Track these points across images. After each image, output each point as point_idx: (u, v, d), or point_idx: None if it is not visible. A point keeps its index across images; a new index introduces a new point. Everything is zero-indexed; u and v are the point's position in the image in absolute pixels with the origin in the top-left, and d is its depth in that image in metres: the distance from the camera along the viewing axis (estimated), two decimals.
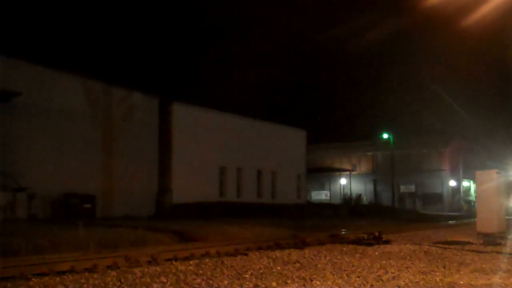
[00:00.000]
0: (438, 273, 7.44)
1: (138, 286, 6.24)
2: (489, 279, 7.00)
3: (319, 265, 8.09)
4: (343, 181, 55.32)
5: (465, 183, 55.62)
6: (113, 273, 6.91)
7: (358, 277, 7.01)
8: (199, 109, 29.31)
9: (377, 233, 12.24)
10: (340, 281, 6.71)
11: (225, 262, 8.14)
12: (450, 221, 20.84)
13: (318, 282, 6.58)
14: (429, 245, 11.41)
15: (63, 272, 6.83)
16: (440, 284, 6.59)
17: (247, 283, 6.48)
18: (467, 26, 16.93)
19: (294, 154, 37.50)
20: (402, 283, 6.61)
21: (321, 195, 56.31)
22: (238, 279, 6.71)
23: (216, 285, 6.33)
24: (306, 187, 41.70)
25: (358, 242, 11.57)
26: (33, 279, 6.32)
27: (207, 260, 8.31)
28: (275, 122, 36.02)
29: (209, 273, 7.13)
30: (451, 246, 11.25)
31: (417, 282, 6.71)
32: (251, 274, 7.12)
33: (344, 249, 10.47)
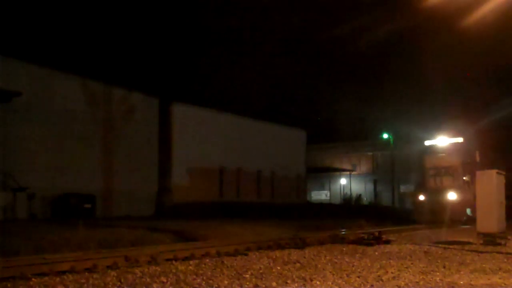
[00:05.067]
0: (438, 273, 7.44)
1: (138, 286, 6.24)
2: (489, 279, 7.00)
3: (319, 265, 8.08)
4: (343, 181, 55.30)
5: None
6: (113, 273, 6.91)
7: (358, 277, 7.01)
8: (199, 109, 29.34)
9: (377, 233, 12.25)
10: (340, 281, 6.70)
11: (225, 262, 8.14)
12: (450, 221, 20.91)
13: (318, 282, 6.58)
14: (429, 245, 11.41)
15: (63, 272, 6.83)
16: (440, 284, 6.59)
17: (247, 283, 6.48)
18: (467, 26, 16.94)
19: (294, 154, 37.53)
20: (402, 283, 6.61)
21: (321, 195, 56.29)
22: (238, 279, 6.71)
23: (216, 285, 6.32)
24: (306, 187, 41.72)
25: (358, 242, 11.57)
26: (33, 279, 6.32)
27: (207, 260, 8.31)
28: (275, 122, 36.03)
29: (209, 273, 7.13)
30: (451, 246, 11.25)
31: (417, 282, 6.71)
32: (251, 274, 7.12)
33: (344, 249, 10.47)
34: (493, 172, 12.14)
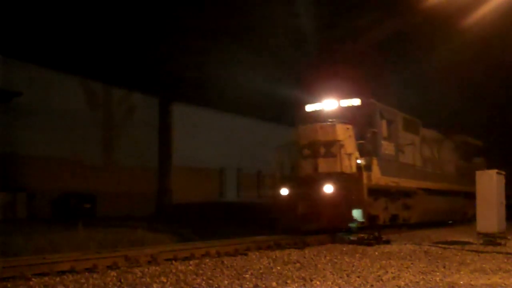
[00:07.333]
0: (438, 273, 7.44)
1: (138, 286, 6.24)
2: (489, 279, 7.00)
3: (319, 265, 8.08)
4: None
5: None
6: (113, 273, 6.91)
7: (358, 277, 7.01)
8: (199, 109, 29.32)
9: (377, 233, 12.23)
10: (340, 281, 6.70)
11: (225, 262, 8.15)
12: (450, 221, 20.79)
13: (318, 282, 6.58)
14: (429, 245, 11.42)
15: (63, 272, 6.83)
16: (440, 284, 6.59)
17: (247, 283, 6.48)
18: (467, 26, 16.95)
19: None
20: (402, 283, 6.61)
21: None
22: (238, 279, 6.71)
23: (216, 285, 6.32)
24: None
25: (358, 242, 11.58)
26: (33, 279, 6.32)
27: (207, 260, 8.31)
28: (275, 122, 35.97)
29: (209, 273, 7.13)
30: (451, 246, 11.26)
31: (417, 282, 6.71)
32: (251, 274, 7.12)
33: (344, 249, 10.47)
34: (493, 172, 12.17)
